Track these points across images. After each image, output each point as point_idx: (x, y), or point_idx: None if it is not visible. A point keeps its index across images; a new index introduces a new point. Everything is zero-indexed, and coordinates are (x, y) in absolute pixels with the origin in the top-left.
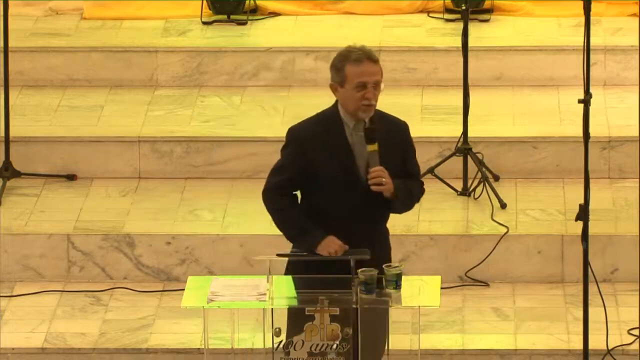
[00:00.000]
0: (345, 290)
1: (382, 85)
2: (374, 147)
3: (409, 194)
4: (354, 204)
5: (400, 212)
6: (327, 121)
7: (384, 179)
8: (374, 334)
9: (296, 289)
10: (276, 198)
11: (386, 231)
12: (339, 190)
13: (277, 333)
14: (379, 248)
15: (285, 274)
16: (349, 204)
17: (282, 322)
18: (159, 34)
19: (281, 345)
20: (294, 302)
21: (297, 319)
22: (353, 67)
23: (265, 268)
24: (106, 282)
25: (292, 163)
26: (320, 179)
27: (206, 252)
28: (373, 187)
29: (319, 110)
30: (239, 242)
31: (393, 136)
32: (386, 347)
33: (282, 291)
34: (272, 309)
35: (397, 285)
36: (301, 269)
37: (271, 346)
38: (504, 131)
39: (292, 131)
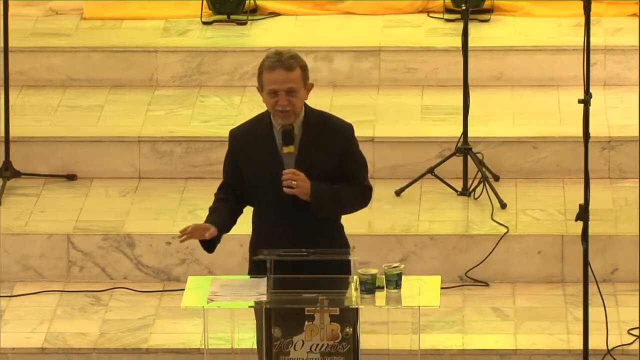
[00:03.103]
0: (345, 290)
1: (305, 89)
2: (289, 149)
3: (333, 197)
4: (285, 206)
5: (325, 215)
6: (259, 124)
7: (294, 182)
8: None
9: (295, 289)
10: (214, 198)
11: (335, 230)
12: (268, 193)
13: (277, 333)
14: (329, 246)
15: (249, 273)
16: (280, 206)
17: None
18: (159, 34)
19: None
20: (294, 302)
21: (296, 319)
22: (266, 74)
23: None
24: (106, 282)
25: (226, 165)
26: (249, 181)
27: (206, 252)
28: (284, 190)
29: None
30: (239, 242)
31: (329, 139)
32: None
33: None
34: (272, 308)
35: (397, 285)
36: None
37: (271, 346)
38: (504, 131)
39: (229, 133)
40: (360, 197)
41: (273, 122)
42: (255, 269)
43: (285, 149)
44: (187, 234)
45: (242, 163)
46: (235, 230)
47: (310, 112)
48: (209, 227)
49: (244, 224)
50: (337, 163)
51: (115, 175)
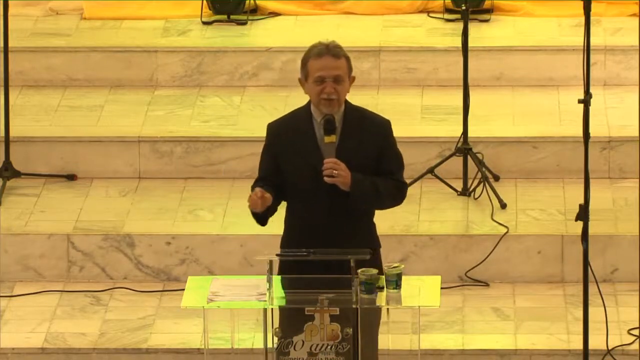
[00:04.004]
0: (345, 290)
1: (349, 81)
2: (330, 138)
3: (373, 189)
4: (322, 200)
5: (362, 206)
6: (298, 117)
7: (335, 171)
8: (366, 333)
9: (296, 288)
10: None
11: (368, 227)
12: (306, 185)
13: (277, 333)
14: (361, 245)
15: (279, 273)
16: (316, 199)
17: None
18: (159, 34)
19: (281, 345)
20: (294, 302)
21: (296, 318)
22: (314, 61)
23: (265, 268)
24: (106, 282)
25: (265, 158)
26: (287, 174)
27: (206, 252)
28: (326, 179)
29: None
30: (239, 242)
31: (368, 133)
32: (378, 346)
33: (282, 291)
34: (272, 309)
35: (397, 285)
36: (292, 267)
37: (271, 346)
38: (504, 131)
39: (268, 127)
40: (397, 192)
41: (313, 114)
42: (285, 268)
43: (327, 139)
44: (260, 199)
45: (281, 155)
46: (235, 230)
47: (349, 105)
48: (264, 191)
49: (244, 224)
50: (375, 157)
51: (115, 175)
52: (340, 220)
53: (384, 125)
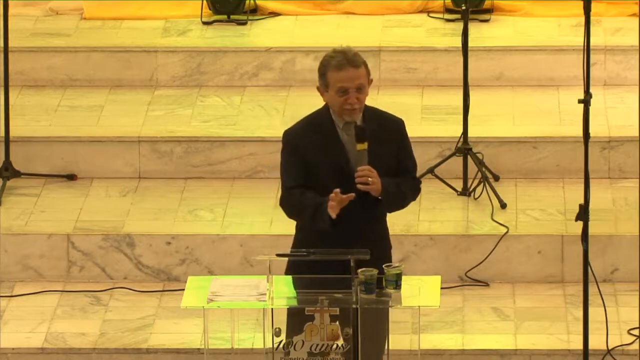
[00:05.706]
0: (345, 290)
1: (367, 86)
2: (363, 146)
3: (399, 193)
4: (349, 204)
5: (388, 211)
6: (318, 121)
7: (370, 179)
8: (374, 334)
9: (296, 289)
10: (290, 196)
11: (385, 230)
12: (332, 188)
13: (277, 333)
14: (378, 248)
15: (286, 274)
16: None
17: (282, 322)
18: (159, 34)
19: (281, 346)
20: (294, 302)
21: (297, 319)
22: (334, 73)
23: (265, 268)
24: (106, 282)
25: (294, 163)
26: (314, 178)
27: (206, 252)
28: (359, 186)
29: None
30: (239, 242)
31: (386, 133)
32: (386, 347)
33: (282, 291)
34: (272, 309)
35: (397, 285)
36: (301, 268)
37: (271, 346)
38: (504, 131)
39: (286, 134)
40: (415, 191)
41: (334, 119)
42: (293, 268)
43: (360, 146)
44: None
45: (308, 159)
46: (235, 230)
47: (365, 107)
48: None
49: (243, 224)
50: (395, 156)
51: (115, 175)
52: (364, 226)
53: (399, 123)
